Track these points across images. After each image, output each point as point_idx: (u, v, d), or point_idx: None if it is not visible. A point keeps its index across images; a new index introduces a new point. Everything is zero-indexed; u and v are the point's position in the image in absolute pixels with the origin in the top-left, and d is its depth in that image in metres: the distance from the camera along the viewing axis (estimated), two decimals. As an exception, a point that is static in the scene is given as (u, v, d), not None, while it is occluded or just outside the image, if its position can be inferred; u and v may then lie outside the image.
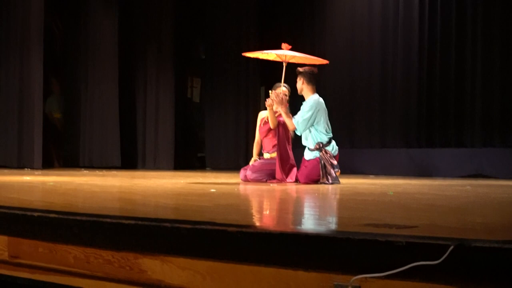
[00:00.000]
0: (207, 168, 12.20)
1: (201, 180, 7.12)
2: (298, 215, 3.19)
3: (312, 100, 6.46)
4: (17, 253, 2.71)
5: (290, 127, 6.58)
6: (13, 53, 10.06)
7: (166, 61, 11.92)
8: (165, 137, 11.83)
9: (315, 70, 6.60)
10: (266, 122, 6.94)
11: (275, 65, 7.14)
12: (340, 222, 2.77)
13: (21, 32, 10.02)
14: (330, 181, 6.26)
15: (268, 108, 6.71)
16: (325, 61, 7.30)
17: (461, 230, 2.37)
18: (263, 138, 7.03)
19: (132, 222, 2.38)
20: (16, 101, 10.00)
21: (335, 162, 6.36)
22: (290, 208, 3.72)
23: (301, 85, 6.57)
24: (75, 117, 11.41)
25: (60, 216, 2.61)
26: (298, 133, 6.62)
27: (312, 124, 6.42)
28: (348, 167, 10.14)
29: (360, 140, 10.90)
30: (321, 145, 6.37)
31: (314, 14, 11.85)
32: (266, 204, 3.94)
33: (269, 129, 6.87)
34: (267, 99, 6.65)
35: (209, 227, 2.22)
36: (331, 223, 2.75)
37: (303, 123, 6.43)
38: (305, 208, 3.73)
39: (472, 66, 9.62)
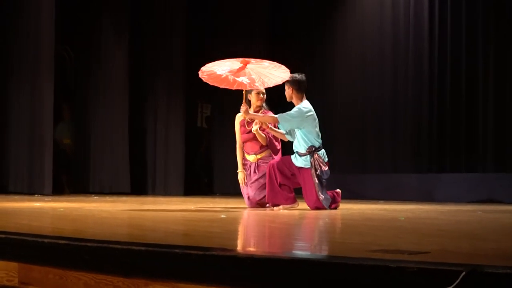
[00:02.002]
0: (216, 194, 12.18)
1: (211, 206, 7.10)
2: (308, 241, 3.17)
3: (302, 107, 6.34)
4: (27, 280, 2.70)
5: (269, 121, 6.43)
6: (24, 80, 10.13)
7: (176, 87, 11.96)
8: (175, 163, 11.84)
9: (303, 77, 6.47)
10: (249, 123, 6.75)
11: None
12: (350, 248, 2.75)
13: (32, 60, 10.09)
14: (323, 196, 6.15)
15: (254, 129, 6.58)
16: (286, 75, 6.44)
17: (473, 256, 2.35)
18: (245, 142, 6.84)
19: (142, 248, 2.38)
20: (27, 127, 10.05)
21: (325, 168, 6.25)
22: (300, 233, 3.71)
23: (291, 93, 6.45)
24: (85, 143, 11.44)
25: (70, 242, 2.61)
26: (282, 129, 6.41)
27: (297, 127, 6.31)
28: (358, 192, 10.09)
29: (371, 166, 10.86)
30: (313, 148, 6.27)
31: (325, 35, 11.83)
32: (276, 230, 3.92)
33: (253, 135, 6.69)
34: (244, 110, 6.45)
35: (219, 253, 2.21)
36: (341, 249, 2.73)
37: (286, 120, 6.27)
38: (315, 234, 3.71)
39: (484, 90, 9.60)
